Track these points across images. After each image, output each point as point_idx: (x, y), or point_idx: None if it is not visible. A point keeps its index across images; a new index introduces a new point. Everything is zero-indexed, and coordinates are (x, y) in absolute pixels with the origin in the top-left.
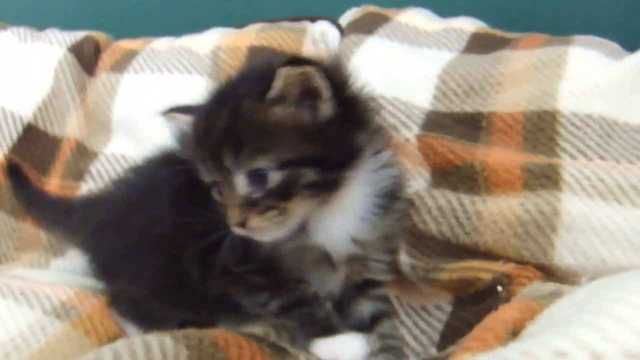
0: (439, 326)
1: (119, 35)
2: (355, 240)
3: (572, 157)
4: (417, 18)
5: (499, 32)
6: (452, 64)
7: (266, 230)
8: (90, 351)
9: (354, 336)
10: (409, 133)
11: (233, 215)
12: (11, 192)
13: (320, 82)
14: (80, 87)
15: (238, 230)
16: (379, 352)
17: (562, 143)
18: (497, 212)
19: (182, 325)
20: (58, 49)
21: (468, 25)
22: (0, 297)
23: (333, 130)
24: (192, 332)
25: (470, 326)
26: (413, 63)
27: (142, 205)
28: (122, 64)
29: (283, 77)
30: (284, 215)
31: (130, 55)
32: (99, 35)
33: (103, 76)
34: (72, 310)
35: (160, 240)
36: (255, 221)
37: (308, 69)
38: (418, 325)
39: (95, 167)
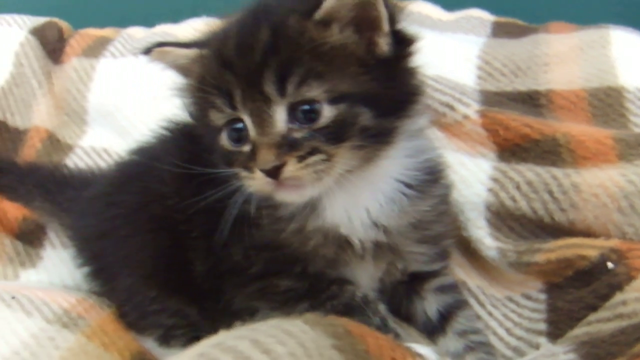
0: (536, 316)
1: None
2: (377, 225)
3: None
4: (427, 8)
5: (519, 21)
6: (489, 46)
7: (302, 184)
8: None
9: (419, 347)
10: (467, 109)
11: (267, 157)
12: None
13: (382, 11)
14: (46, 74)
15: (263, 184)
16: (465, 353)
17: (633, 118)
18: (598, 184)
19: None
20: (18, 31)
21: (483, 14)
22: None
23: (389, 70)
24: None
25: (588, 308)
26: (448, 44)
27: (140, 180)
28: (95, 49)
29: None
30: (329, 163)
31: (103, 42)
32: (61, 22)
33: (74, 62)
34: (80, 320)
35: (160, 219)
36: (293, 168)
37: None
38: (509, 317)
39: (72, 161)
